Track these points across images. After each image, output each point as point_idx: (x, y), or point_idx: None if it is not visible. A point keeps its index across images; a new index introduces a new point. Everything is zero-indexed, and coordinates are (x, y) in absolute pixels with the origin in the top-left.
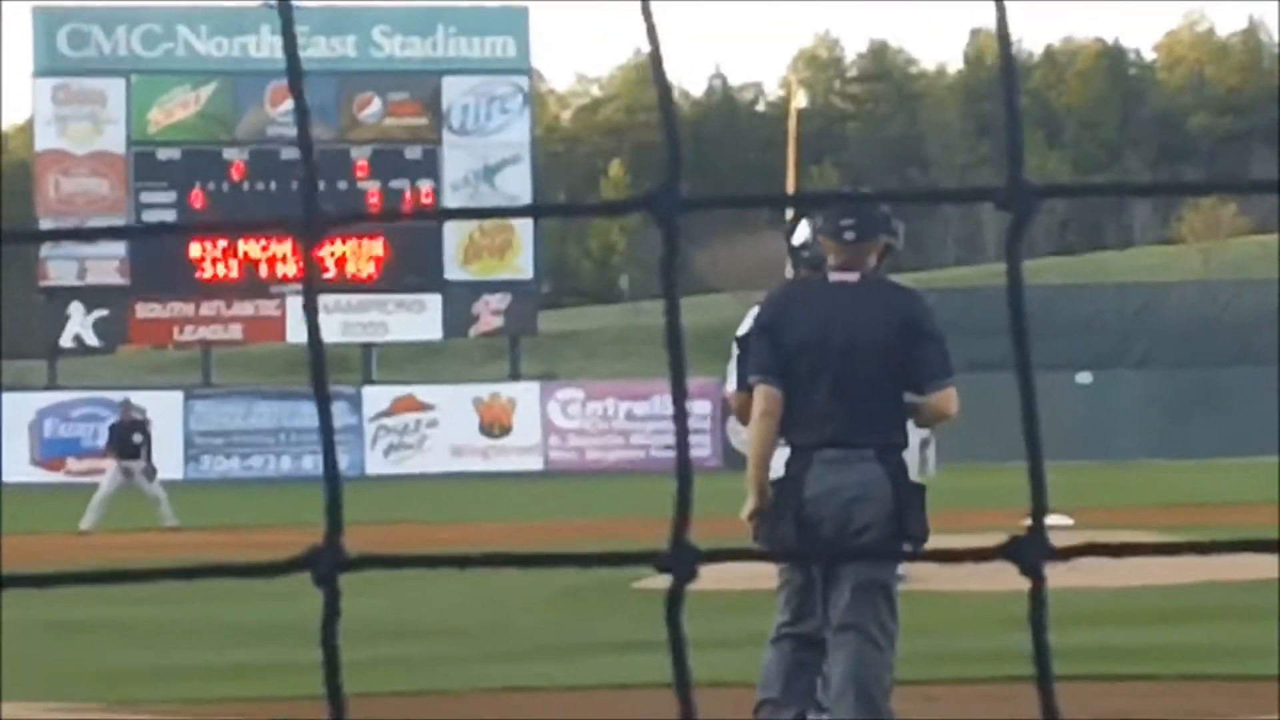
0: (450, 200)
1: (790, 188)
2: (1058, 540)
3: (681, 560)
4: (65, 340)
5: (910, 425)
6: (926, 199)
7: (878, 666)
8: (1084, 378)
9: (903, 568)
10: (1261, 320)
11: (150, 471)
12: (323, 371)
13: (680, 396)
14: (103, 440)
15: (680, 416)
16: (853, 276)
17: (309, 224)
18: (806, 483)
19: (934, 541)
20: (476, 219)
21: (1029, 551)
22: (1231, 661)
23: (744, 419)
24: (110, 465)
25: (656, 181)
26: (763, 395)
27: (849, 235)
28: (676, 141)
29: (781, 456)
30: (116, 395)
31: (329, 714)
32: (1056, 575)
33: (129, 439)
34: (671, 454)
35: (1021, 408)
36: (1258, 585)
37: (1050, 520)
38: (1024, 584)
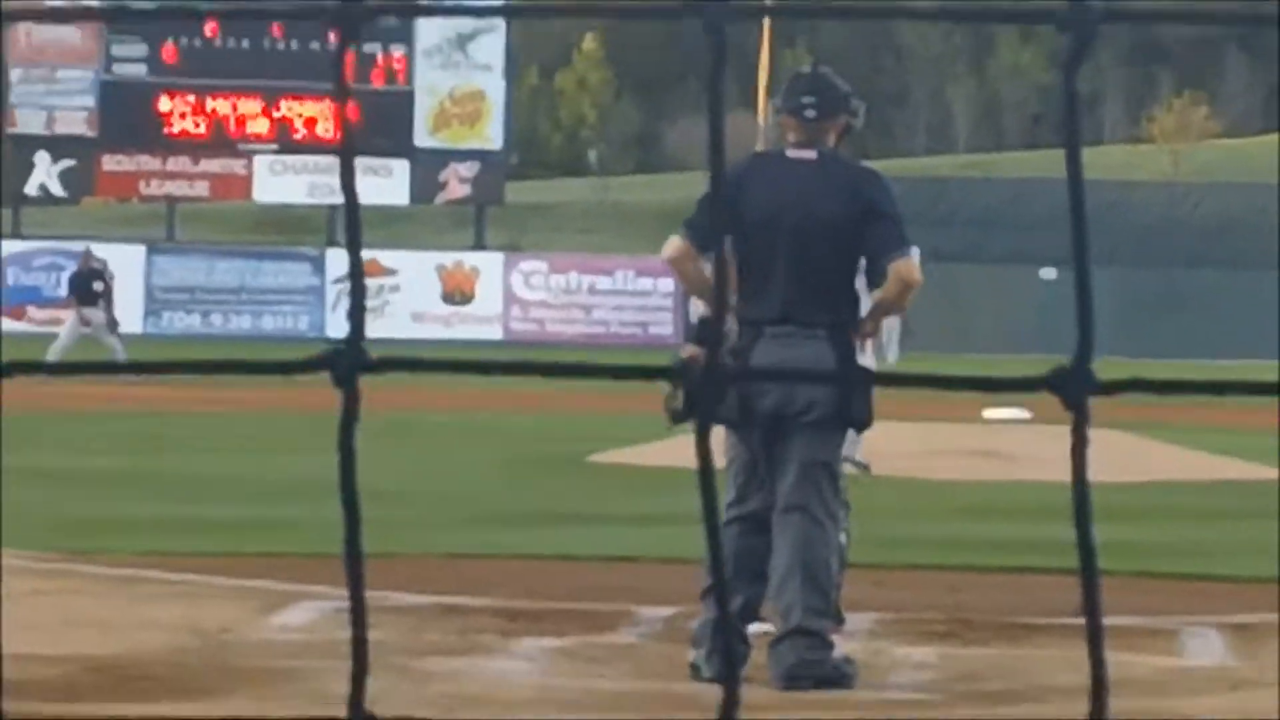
0: (422, 67)
1: (763, 72)
2: (1021, 429)
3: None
4: (30, 189)
5: (885, 315)
6: (980, 17)
7: (822, 548)
8: (1048, 273)
9: (863, 456)
10: (1226, 224)
11: (112, 324)
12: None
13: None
14: (65, 290)
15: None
16: (810, 154)
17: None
18: (753, 356)
19: (890, 429)
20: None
21: (1073, 384)
22: (1178, 560)
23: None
24: (70, 314)
25: (637, 59)
26: (670, 244)
27: (809, 113)
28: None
29: (733, 330)
30: (80, 246)
31: (344, 521)
32: (1013, 468)
33: (89, 287)
34: (631, 330)
35: (1073, 247)
36: (1214, 487)
37: (1008, 413)
38: (982, 474)
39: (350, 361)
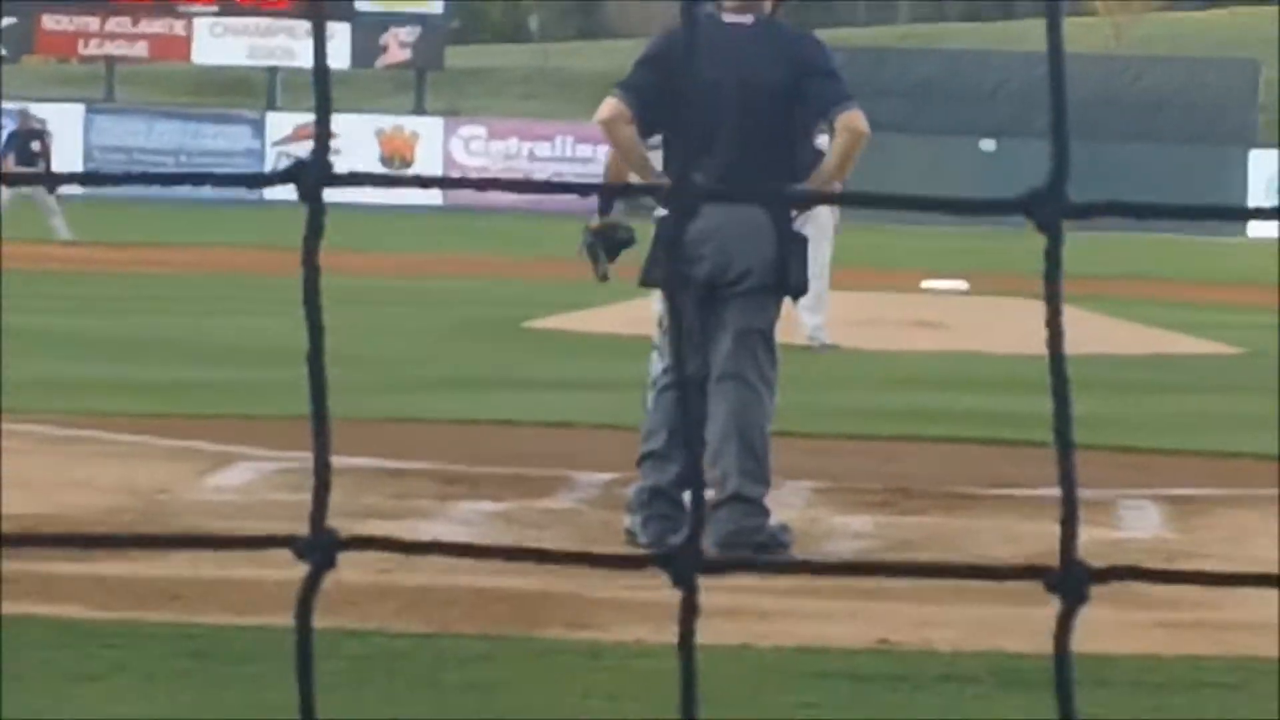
0: None
1: None
2: (959, 300)
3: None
4: None
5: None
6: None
7: (759, 415)
8: (987, 144)
9: (825, 335)
10: (1166, 97)
11: (51, 184)
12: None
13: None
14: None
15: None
16: (747, 18)
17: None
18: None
19: (830, 299)
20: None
21: (1047, 206)
22: (1117, 433)
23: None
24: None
25: None
26: (607, 105)
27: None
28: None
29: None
30: (18, 106)
31: (308, 337)
32: (951, 338)
33: (27, 146)
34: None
35: (1050, 71)
36: (1155, 360)
37: (946, 284)
38: (919, 344)
39: (316, 175)
